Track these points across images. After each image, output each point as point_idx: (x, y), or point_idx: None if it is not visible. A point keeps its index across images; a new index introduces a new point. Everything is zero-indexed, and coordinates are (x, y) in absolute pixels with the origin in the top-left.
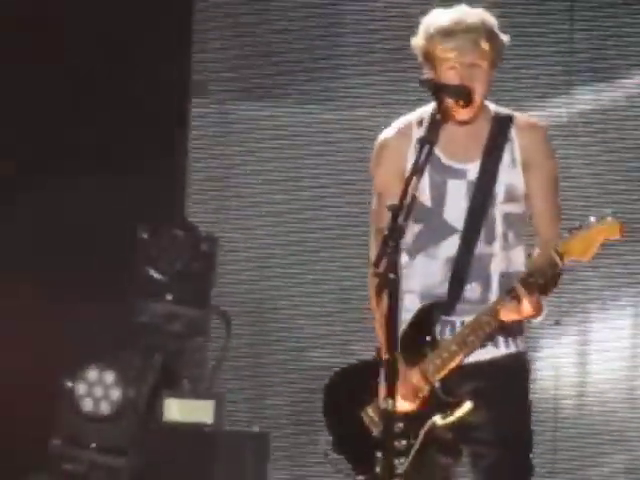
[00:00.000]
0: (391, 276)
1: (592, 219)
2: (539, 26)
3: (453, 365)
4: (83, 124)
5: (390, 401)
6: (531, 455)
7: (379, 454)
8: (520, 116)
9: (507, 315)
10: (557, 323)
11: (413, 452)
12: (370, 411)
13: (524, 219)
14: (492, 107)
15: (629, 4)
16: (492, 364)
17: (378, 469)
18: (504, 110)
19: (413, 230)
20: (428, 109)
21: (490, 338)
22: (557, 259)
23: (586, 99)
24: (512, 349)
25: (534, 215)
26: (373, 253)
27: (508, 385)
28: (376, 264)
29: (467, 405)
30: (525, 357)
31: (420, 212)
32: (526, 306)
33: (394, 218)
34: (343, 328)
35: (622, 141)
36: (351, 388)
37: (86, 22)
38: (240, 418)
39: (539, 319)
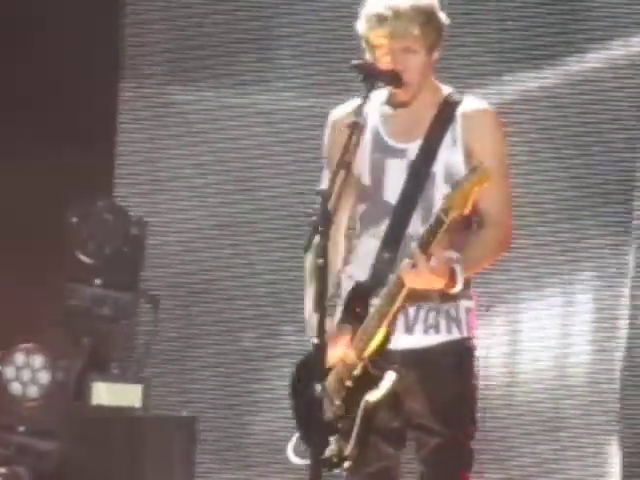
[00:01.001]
0: (319, 261)
1: (465, 172)
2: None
3: (379, 339)
4: (13, 107)
5: (318, 386)
6: (472, 443)
7: (330, 438)
8: (468, 100)
9: (410, 281)
10: (487, 309)
11: (355, 434)
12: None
13: None
14: (445, 90)
15: None
16: (434, 350)
17: (327, 452)
18: (457, 94)
19: (359, 211)
20: (377, 93)
21: (402, 308)
22: (442, 215)
23: (511, 86)
24: (455, 335)
25: (481, 201)
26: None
27: (450, 371)
28: (305, 249)
29: (390, 376)
30: (469, 343)
31: (362, 192)
32: (423, 268)
33: (324, 203)
34: (274, 310)
35: (555, 122)
36: (310, 375)
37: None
38: (168, 402)
39: (457, 288)
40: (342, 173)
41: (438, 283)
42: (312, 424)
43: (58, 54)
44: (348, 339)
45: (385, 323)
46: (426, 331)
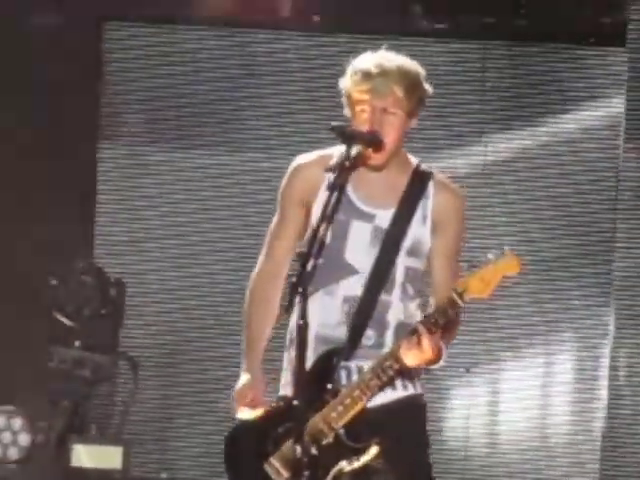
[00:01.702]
0: (300, 322)
1: (490, 256)
2: (454, 74)
3: (356, 410)
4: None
5: (298, 447)
6: None
7: None
8: (441, 176)
9: (408, 357)
10: (467, 371)
11: None
12: (274, 461)
13: (423, 276)
14: (414, 160)
15: (539, 53)
16: (390, 407)
17: None
18: (425, 166)
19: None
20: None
21: (391, 382)
22: (457, 298)
23: (500, 144)
24: (410, 391)
25: (433, 273)
26: (256, 269)
27: (406, 428)
28: (286, 310)
29: (373, 450)
30: (422, 399)
31: (320, 247)
32: (426, 347)
33: (303, 264)
34: None
35: (535, 184)
36: (253, 439)
37: None
38: (148, 464)
39: (440, 364)
40: (319, 237)
41: (430, 360)
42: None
43: (42, 117)
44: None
45: (368, 395)
46: (382, 389)
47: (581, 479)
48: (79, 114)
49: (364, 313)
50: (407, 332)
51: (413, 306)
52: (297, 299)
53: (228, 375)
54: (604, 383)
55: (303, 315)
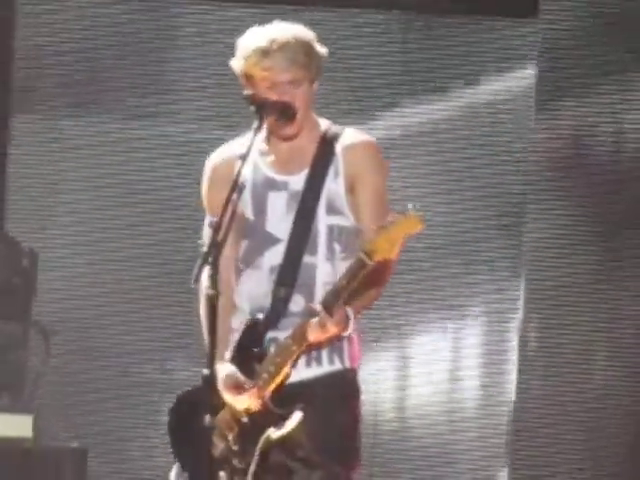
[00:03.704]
0: (210, 292)
1: (395, 215)
2: (374, 44)
3: (281, 377)
4: None
5: (209, 418)
6: (354, 474)
7: (221, 474)
8: (348, 132)
9: (314, 336)
10: (376, 340)
11: (252, 470)
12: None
13: (354, 234)
14: (323, 124)
15: (454, 24)
16: (315, 382)
17: None
18: (336, 127)
19: (242, 248)
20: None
21: (314, 350)
22: (366, 259)
23: (408, 117)
24: (337, 366)
25: (361, 229)
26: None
27: (331, 404)
28: (195, 280)
29: (297, 415)
30: (351, 374)
31: (246, 227)
32: (329, 327)
33: (214, 235)
34: (165, 342)
35: (447, 154)
36: (196, 408)
37: None
38: (59, 433)
39: (347, 332)
40: (230, 208)
41: (337, 333)
42: (200, 459)
43: None
44: (241, 376)
45: (290, 363)
46: (308, 363)
47: (489, 453)
48: None
49: (287, 278)
50: (308, 313)
51: (343, 266)
52: (208, 269)
53: (140, 344)
54: (513, 357)
55: (214, 285)
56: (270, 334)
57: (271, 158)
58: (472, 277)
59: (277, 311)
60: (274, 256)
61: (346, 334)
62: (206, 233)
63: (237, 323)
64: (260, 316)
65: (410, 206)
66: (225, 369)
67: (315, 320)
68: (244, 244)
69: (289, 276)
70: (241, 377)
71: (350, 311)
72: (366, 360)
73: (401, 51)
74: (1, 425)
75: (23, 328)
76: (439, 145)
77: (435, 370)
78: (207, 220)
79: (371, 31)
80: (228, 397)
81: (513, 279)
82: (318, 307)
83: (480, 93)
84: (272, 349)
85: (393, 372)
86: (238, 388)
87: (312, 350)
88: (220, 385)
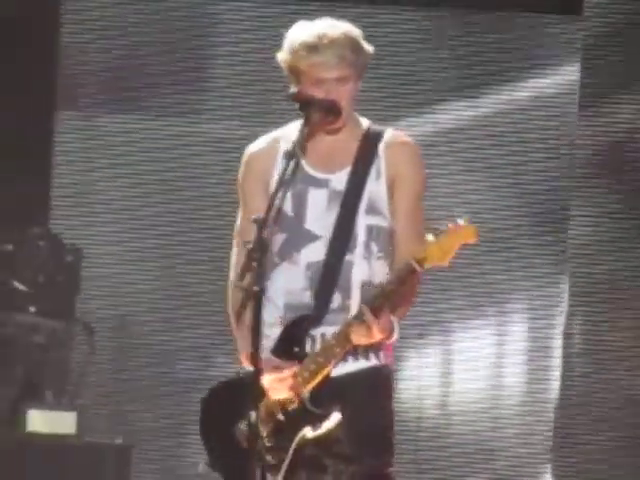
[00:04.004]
0: (255, 289)
1: (449, 225)
2: (411, 42)
3: (321, 377)
4: None
5: (253, 414)
6: (391, 469)
7: (254, 469)
8: (390, 133)
9: (358, 339)
10: (420, 336)
11: (285, 467)
12: (243, 426)
13: (389, 234)
14: (365, 123)
15: (495, 21)
16: (351, 378)
17: None
18: (378, 127)
19: (278, 242)
20: (297, 123)
21: (354, 349)
22: (415, 265)
23: (449, 115)
24: (372, 362)
25: (396, 231)
26: (234, 267)
27: (367, 400)
28: (241, 277)
29: (335, 417)
30: (386, 370)
31: (283, 221)
32: (375, 330)
33: (259, 231)
34: (207, 338)
35: (490, 152)
36: (228, 403)
37: None
38: (103, 430)
39: (392, 340)
40: (275, 204)
41: (381, 338)
42: (231, 453)
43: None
44: (286, 372)
45: (332, 364)
46: (345, 359)
47: (533, 450)
48: (35, 81)
49: (329, 276)
50: (354, 315)
51: (379, 265)
52: (254, 265)
53: (184, 341)
54: (558, 353)
55: (259, 281)
56: (311, 331)
57: (312, 155)
58: (516, 274)
59: (319, 308)
60: (312, 253)
61: (390, 342)
62: (242, 225)
63: (270, 317)
64: (302, 313)
65: (465, 216)
66: (264, 355)
67: (360, 323)
68: (280, 238)
69: (331, 274)
70: (280, 361)
71: (395, 319)
72: (409, 356)
73: (443, 48)
74: (45, 422)
75: (67, 325)
76: (483, 142)
77: (478, 367)
78: (240, 211)
79: (413, 28)
80: (267, 381)
81: (557, 276)
82: (365, 309)
83: (524, 90)
84: (314, 348)
85: (436, 368)
86: (278, 372)
87: (355, 349)
88: (264, 373)
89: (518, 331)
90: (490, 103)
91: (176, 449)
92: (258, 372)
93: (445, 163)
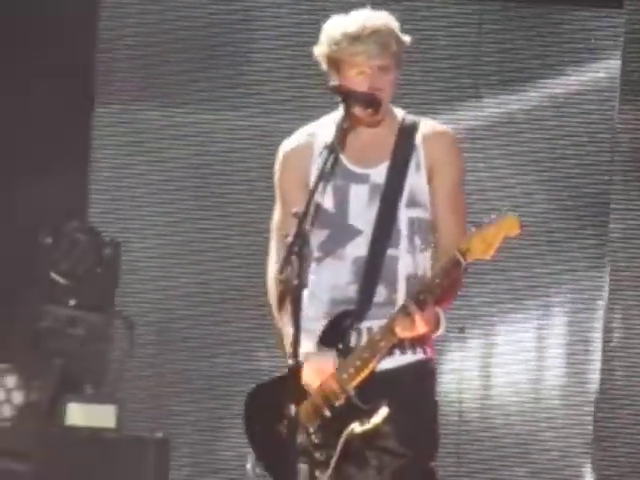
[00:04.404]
0: (295, 282)
1: (492, 217)
2: (451, 34)
3: (367, 372)
4: None
5: (293, 408)
6: (434, 463)
7: (301, 465)
8: (427, 122)
9: (403, 332)
10: (461, 331)
11: (333, 463)
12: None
13: (430, 227)
14: (400, 114)
15: (537, 13)
16: (398, 372)
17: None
18: (412, 117)
19: (319, 237)
20: (331, 117)
21: (400, 344)
22: (460, 257)
23: (492, 107)
24: (419, 356)
25: (437, 221)
26: (273, 260)
27: (413, 393)
28: (280, 271)
29: (383, 411)
30: (431, 364)
31: (325, 218)
32: (419, 323)
33: (299, 225)
34: (246, 332)
35: (532, 144)
36: (274, 399)
37: None
38: (142, 423)
39: (439, 333)
40: (305, 193)
41: (427, 332)
42: (277, 450)
43: (33, 76)
44: (331, 367)
45: (378, 357)
46: (391, 352)
47: (573, 443)
48: (73, 72)
49: (372, 271)
50: (399, 308)
51: (422, 257)
52: (294, 259)
53: (224, 334)
54: (598, 346)
55: (299, 275)
56: (358, 325)
57: (350, 150)
58: (557, 267)
59: (363, 303)
60: (356, 248)
61: (436, 334)
62: (280, 220)
63: (314, 312)
64: (347, 308)
65: (508, 209)
66: (307, 349)
67: (405, 316)
68: (323, 234)
69: (374, 268)
70: (322, 355)
71: (441, 312)
72: (451, 349)
73: (482, 40)
74: (85, 415)
75: (106, 318)
76: (525, 135)
77: (519, 360)
78: (277, 206)
79: (460, 21)
80: (309, 377)
81: (598, 268)
82: (409, 303)
83: (564, 83)
84: (361, 341)
85: (477, 362)
86: (322, 367)
87: (400, 343)
88: (304, 367)
89: (558, 324)
90: (532, 96)
91: (214, 442)
92: (298, 366)
93: (486, 156)
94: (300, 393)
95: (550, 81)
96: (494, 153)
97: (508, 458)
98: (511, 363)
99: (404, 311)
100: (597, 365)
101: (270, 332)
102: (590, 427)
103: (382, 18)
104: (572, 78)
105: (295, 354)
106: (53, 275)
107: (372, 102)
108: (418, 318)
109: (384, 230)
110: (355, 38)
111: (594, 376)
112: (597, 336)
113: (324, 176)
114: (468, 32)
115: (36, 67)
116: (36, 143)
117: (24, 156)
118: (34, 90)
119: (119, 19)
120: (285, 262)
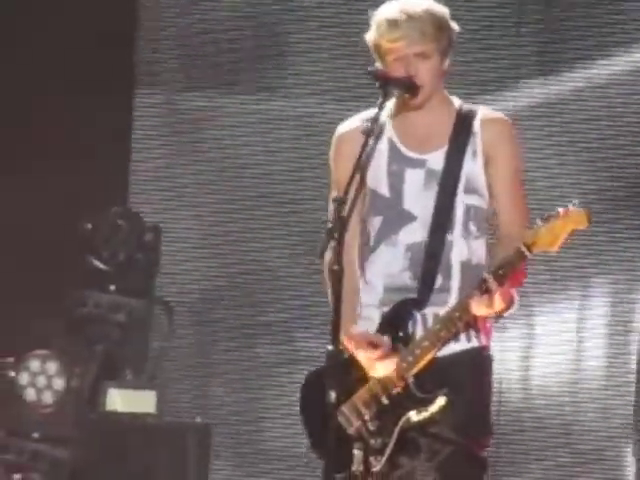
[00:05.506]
0: (335, 267)
1: (559, 209)
2: (489, 20)
3: (426, 361)
4: (25, 114)
5: (332, 393)
6: (485, 453)
7: (355, 452)
8: (483, 110)
9: (479, 309)
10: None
11: (389, 450)
12: (345, 409)
13: (487, 214)
14: (457, 102)
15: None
16: (454, 359)
17: (354, 467)
18: (468, 105)
19: (375, 225)
20: (387, 104)
21: (459, 333)
22: (525, 250)
23: (534, 92)
24: (474, 343)
25: (497, 209)
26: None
27: (468, 381)
28: (321, 256)
29: (441, 400)
30: (486, 352)
31: (380, 204)
32: (497, 300)
33: (338, 210)
34: (288, 316)
35: (567, 134)
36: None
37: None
38: (183, 409)
39: (511, 311)
40: (357, 179)
41: (502, 308)
42: (330, 436)
43: (74, 63)
44: (390, 354)
45: (438, 346)
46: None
47: (614, 428)
48: (114, 58)
49: (432, 257)
50: (476, 284)
51: (477, 245)
52: (332, 244)
53: (263, 321)
54: (637, 333)
55: (338, 261)
56: (421, 312)
57: (406, 135)
58: (598, 252)
59: (423, 290)
60: (410, 234)
61: (508, 314)
62: (331, 208)
63: (368, 298)
64: (407, 296)
65: (576, 201)
66: (356, 330)
67: (483, 293)
68: (377, 220)
69: (433, 255)
70: (374, 336)
71: (514, 291)
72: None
73: (516, 26)
74: (125, 401)
75: (147, 304)
76: (573, 117)
77: (560, 345)
78: (333, 194)
79: (505, 2)
80: (362, 356)
81: (638, 254)
82: (489, 278)
83: (613, 66)
84: (427, 328)
85: (519, 347)
86: (373, 346)
87: (460, 333)
88: (354, 346)
89: (600, 310)
90: (575, 82)
91: (255, 429)
92: (339, 351)
93: (533, 137)
94: (334, 376)
95: (601, 62)
96: (540, 136)
97: (550, 439)
98: (552, 344)
99: (483, 286)
100: (637, 351)
101: (311, 314)
102: (631, 412)
103: (425, 4)
104: (621, 61)
105: (335, 340)
106: (94, 261)
107: (408, 86)
108: (497, 293)
109: (443, 216)
110: (393, 24)
111: (635, 361)
112: (637, 325)
113: (377, 162)
114: (512, 17)
115: (80, 52)
116: (78, 128)
117: (66, 141)
118: (76, 74)
119: (159, 4)
120: (324, 247)
